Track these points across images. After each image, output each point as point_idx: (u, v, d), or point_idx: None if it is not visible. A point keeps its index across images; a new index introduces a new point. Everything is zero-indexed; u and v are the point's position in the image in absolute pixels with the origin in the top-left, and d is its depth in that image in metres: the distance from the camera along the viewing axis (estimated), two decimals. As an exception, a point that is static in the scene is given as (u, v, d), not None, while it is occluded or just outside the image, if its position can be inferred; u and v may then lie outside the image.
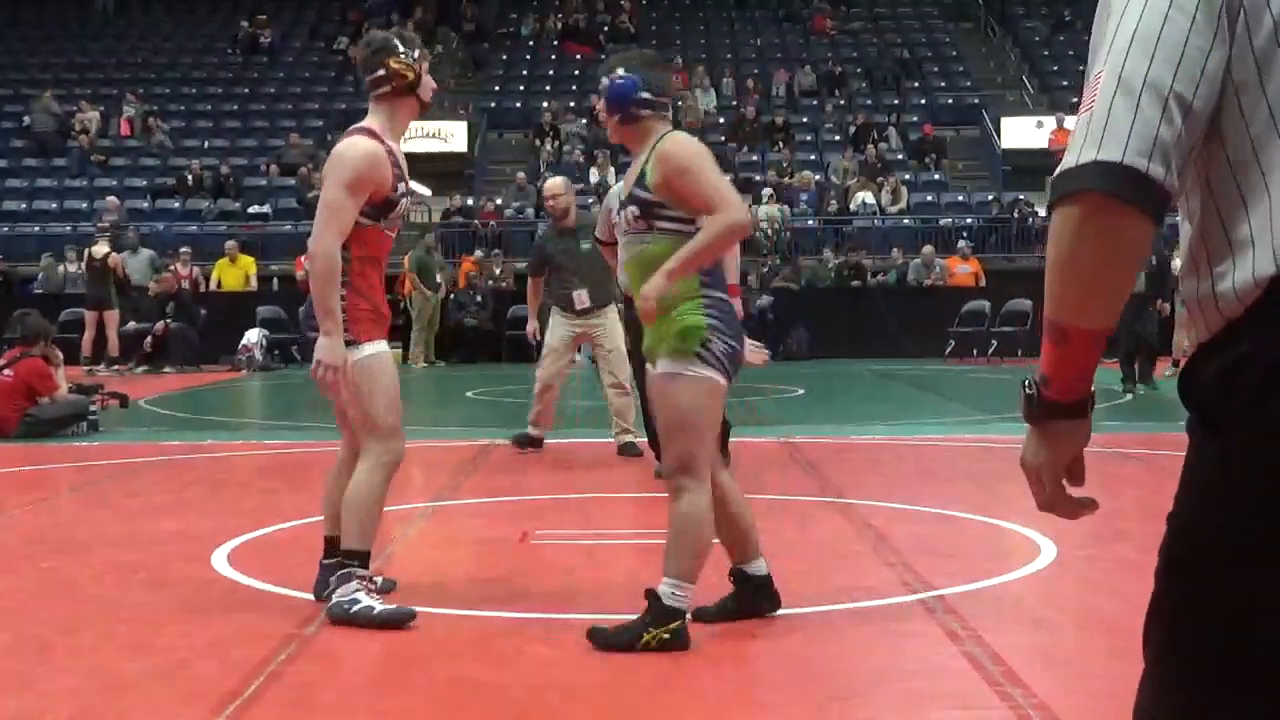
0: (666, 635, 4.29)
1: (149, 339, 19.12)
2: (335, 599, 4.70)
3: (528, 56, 31.54)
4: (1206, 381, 1.63)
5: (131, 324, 19.33)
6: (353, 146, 4.80)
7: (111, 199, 23.48)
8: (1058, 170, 1.66)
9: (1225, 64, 1.61)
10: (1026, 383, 1.75)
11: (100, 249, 19.03)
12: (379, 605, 4.69)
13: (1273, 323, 1.57)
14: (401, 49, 4.91)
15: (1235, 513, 1.58)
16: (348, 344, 4.74)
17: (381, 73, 4.87)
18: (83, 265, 19.78)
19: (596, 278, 9.14)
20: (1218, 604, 1.60)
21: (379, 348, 4.84)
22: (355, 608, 4.65)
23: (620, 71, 4.54)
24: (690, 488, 4.38)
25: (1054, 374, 1.70)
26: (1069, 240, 1.63)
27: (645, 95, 4.49)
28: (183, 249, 21.17)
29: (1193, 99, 1.60)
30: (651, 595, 4.34)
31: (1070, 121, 23.62)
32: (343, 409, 4.91)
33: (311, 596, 5.04)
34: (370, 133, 4.85)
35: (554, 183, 10.25)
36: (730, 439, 8.34)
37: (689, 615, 4.43)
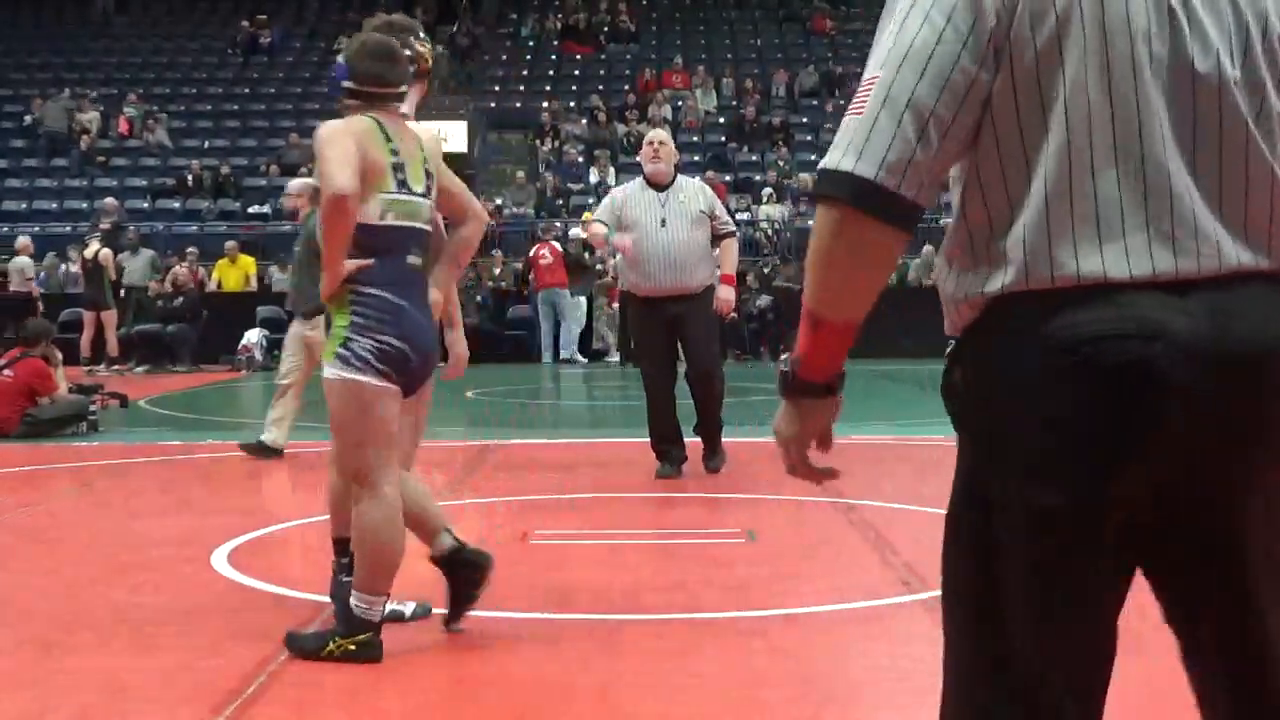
0: (353, 646, 4.22)
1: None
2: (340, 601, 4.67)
3: (528, 56, 31.53)
4: (948, 385, 1.85)
5: (136, 327, 19.35)
6: (431, 131, 4.73)
7: (110, 200, 23.48)
8: (822, 163, 1.77)
9: (988, 91, 1.71)
10: (783, 360, 1.90)
11: (92, 248, 19.02)
12: (397, 607, 4.68)
13: (992, 339, 1.75)
14: (423, 34, 4.96)
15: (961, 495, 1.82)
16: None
17: (408, 53, 4.83)
18: (79, 266, 19.80)
19: (295, 280, 9.07)
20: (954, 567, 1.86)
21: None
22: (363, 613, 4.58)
23: (339, 59, 4.55)
24: (361, 497, 4.27)
25: (806, 357, 1.85)
26: (825, 240, 1.76)
27: (348, 85, 4.43)
28: (188, 249, 21.19)
29: (952, 122, 1.71)
30: (343, 605, 4.29)
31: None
32: None
33: (312, 596, 5.05)
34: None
35: (294, 184, 10.12)
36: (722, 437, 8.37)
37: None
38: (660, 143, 8.37)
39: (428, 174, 4.44)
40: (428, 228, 4.43)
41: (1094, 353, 1.67)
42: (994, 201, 1.76)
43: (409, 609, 4.79)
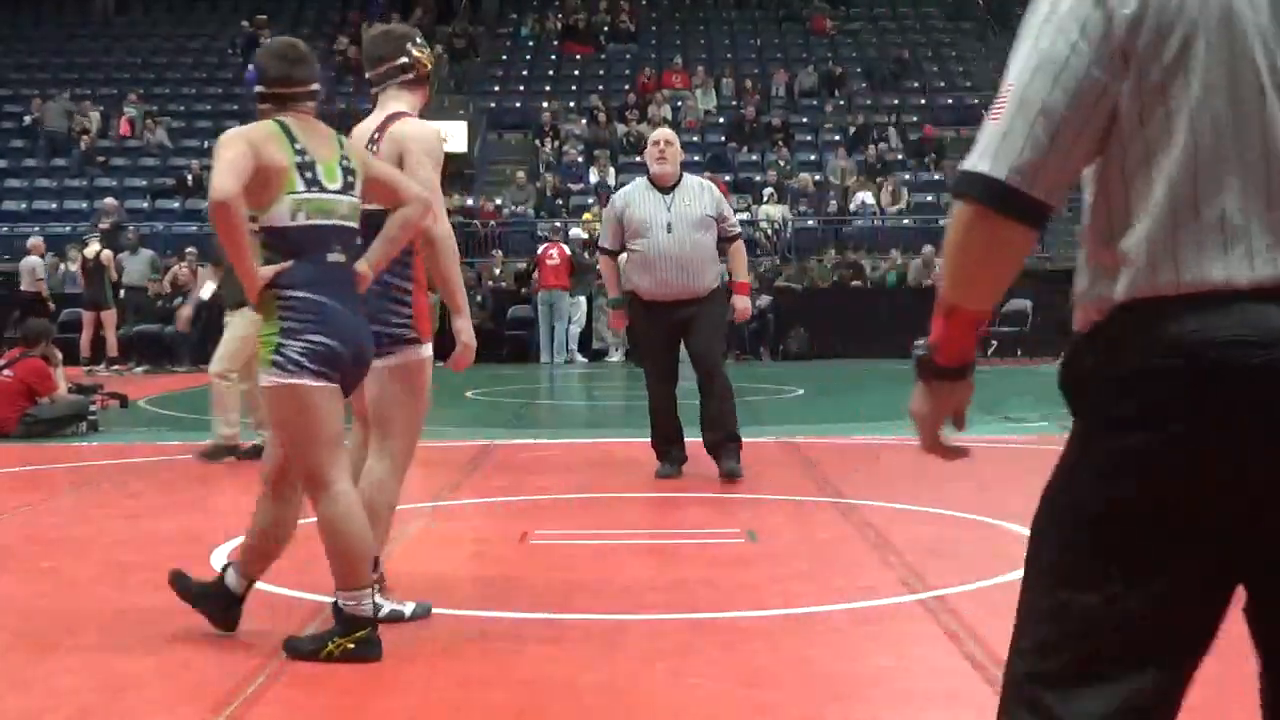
0: (352, 645, 4.25)
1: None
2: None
3: (528, 56, 31.53)
4: (1067, 379, 1.91)
5: (136, 327, 19.34)
6: (428, 127, 4.80)
7: (110, 200, 23.47)
8: (961, 164, 1.89)
9: (1116, 99, 1.82)
10: (918, 345, 2.01)
11: (92, 248, 19.01)
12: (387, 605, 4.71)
13: (1114, 341, 1.84)
14: (420, 40, 5.01)
15: (1075, 490, 1.88)
16: (411, 341, 4.74)
17: (405, 60, 4.91)
18: (79, 266, 19.79)
19: (225, 277, 8.97)
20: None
21: (429, 351, 4.83)
22: (382, 612, 4.61)
23: (253, 63, 4.59)
24: (318, 499, 4.31)
25: (940, 343, 1.98)
26: (960, 235, 1.88)
27: (259, 88, 4.47)
28: (188, 249, 21.18)
29: (1083, 128, 1.82)
30: (335, 607, 4.32)
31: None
32: (370, 404, 4.86)
33: (312, 596, 5.05)
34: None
35: None
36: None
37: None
38: (667, 143, 8.21)
39: (348, 170, 4.43)
40: (349, 224, 4.43)
41: (1216, 358, 1.74)
42: (1118, 206, 1.85)
43: (409, 609, 4.79)
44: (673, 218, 8.02)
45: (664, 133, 8.52)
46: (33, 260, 20.11)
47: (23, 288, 19.77)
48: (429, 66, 4.97)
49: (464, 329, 4.88)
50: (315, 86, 4.51)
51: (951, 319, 1.96)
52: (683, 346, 8.24)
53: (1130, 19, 1.79)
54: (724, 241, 8.22)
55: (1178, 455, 1.77)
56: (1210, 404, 1.75)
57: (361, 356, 4.39)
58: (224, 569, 4.63)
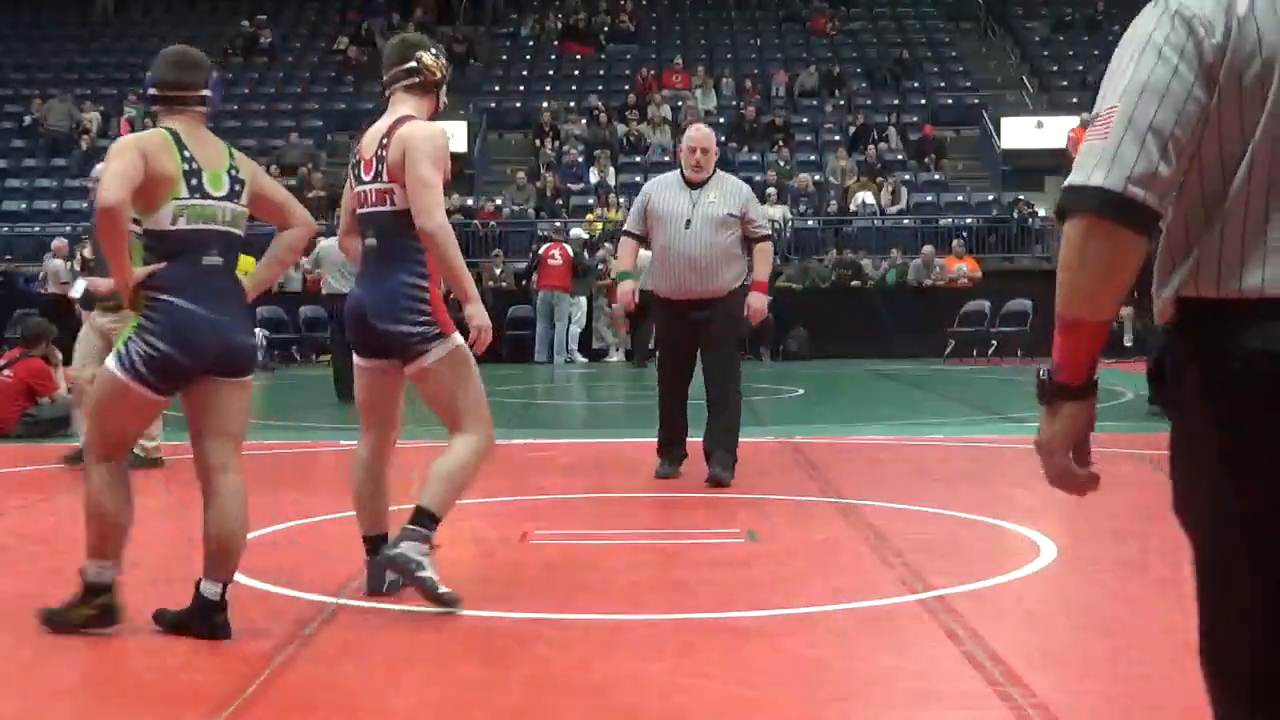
0: (93, 611, 4.54)
1: None
2: (403, 550, 4.79)
3: (528, 56, 31.53)
4: (1156, 374, 2.08)
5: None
6: (431, 128, 4.95)
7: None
8: (1068, 181, 2.01)
9: (1207, 116, 1.98)
10: (1041, 371, 2.10)
11: (90, 248, 18.97)
12: (437, 581, 4.80)
13: (1184, 333, 2.02)
14: (434, 49, 5.13)
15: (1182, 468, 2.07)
16: (437, 336, 4.92)
17: (413, 64, 5.05)
18: (79, 265, 19.76)
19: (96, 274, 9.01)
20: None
21: (460, 338, 5.01)
22: (422, 572, 4.77)
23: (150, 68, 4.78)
24: (88, 470, 4.62)
25: (1063, 361, 2.06)
26: (1077, 248, 2.00)
27: (152, 92, 4.67)
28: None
29: (1186, 142, 1.98)
30: (80, 572, 4.59)
31: (1075, 120, 23.67)
32: (374, 405, 5.09)
33: (312, 596, 5.05)
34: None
35: (97, 169, 10.00)
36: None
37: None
38: (704, 151, 7.97)
39: (235, 179, 4.63)
40: (229, 229, 4.61)
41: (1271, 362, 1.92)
42: (1194, 216, 2.02)
43: (444, 591, 4.88)
44: (694, 215, 7.89)
45: (701, 139, 8.10)
46: (56, 263, 20.11)
47: (48, 289, 19.75)
48: (438, 75, 5.08)
49: (476, 313, 4.98)
50: (205, 92, 4.69)
51: (1076, 334, 2.05)
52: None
53: (1217, 47, 1.96)
54: (752, 243, 8.05)
55: (1249, 448, 1.96)
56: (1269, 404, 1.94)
57: (224, 355, 4.54)
58: (197, 583, 4.63)
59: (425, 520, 4.86)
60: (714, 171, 8.08)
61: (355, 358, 5.17)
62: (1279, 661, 1.99)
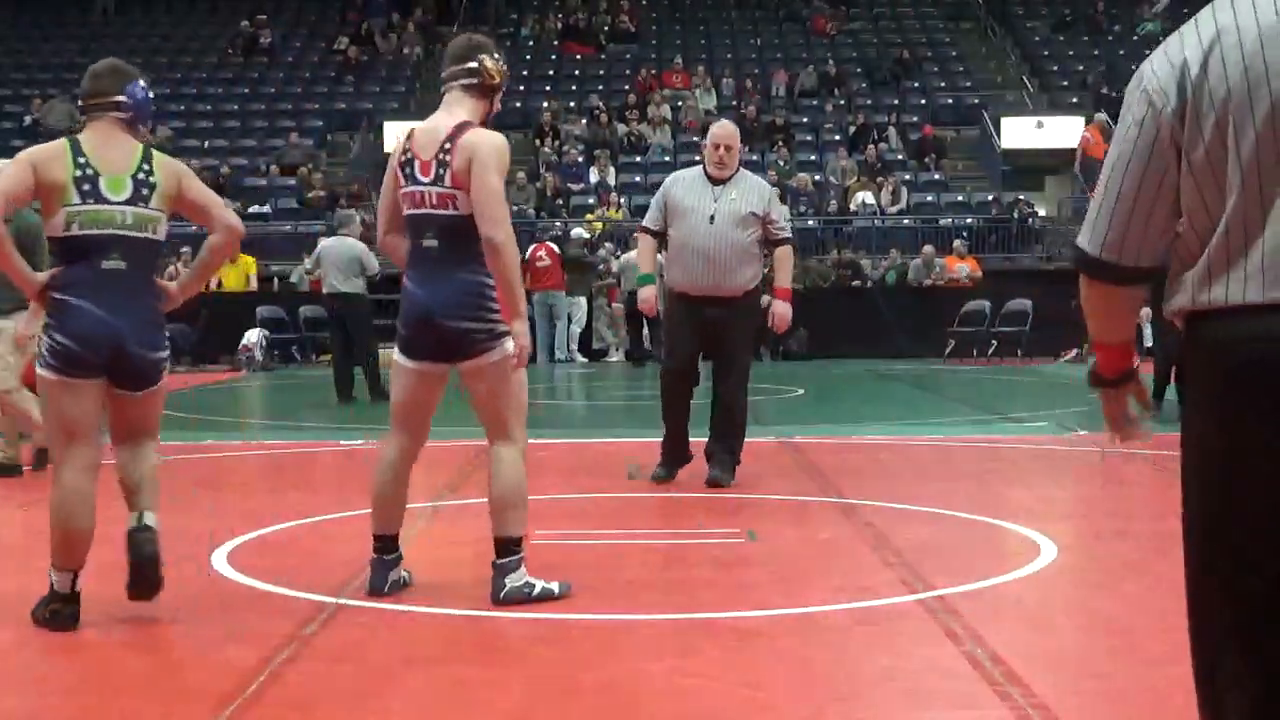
0: (47, 615, 4.72)
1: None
2: (509, 588, 4.97)
3: (528, 56, 31.53)
4: (1178, 372, 2.41)
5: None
6: (496, 137, 4.99)
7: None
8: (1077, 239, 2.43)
9: (1178, 177, 2.26)
10: (1091, 361, 2.62)
11: None
12: (547, 585, 5.07)
13: (1186, 343, 2.32)
14: (497, 54, 5.15)
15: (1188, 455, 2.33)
16: (502, 335, 5.00)
17: (474, 65, 5.06)
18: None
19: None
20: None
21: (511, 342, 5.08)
22: (534, 590, 5.01)
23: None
24: (53, 480, 4.84)
25: (1100, 365, 2.56)
26: (1083, 294, 2.43)
27: (80, 101, 4.86)
28: (183, 249, 21.17)
29: (1153, 205, 2.28)
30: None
31: (1076, 120, 23.66)
32: (413, 409, 5.22)
33: (312, 596, 5.05)
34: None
35: None
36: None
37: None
38: (727, 148, 7.85)
39: (141, 184, 4.73)
40: (131, 233, 4.70)
41: (1244, 352, 2.18)
42: (1188, 246, 2.30)
43: (557, 587, 5.10)
44: (716, 210, 7.77)
45: (725, 135, 7.94)
46: None
47: None
48: (497, 80, 5.09)
49: (521, 332, 5.01)
50: (119, 98, 4.79)
51: (1103, 350, 2.53)
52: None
53: (1173, 112, 2.23)
54: (772, 244, 7.96)
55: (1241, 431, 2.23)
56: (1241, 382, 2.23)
57: (122, 362, 4.69)
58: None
59: (510, 548, 5.09)
60: (738, 169, 7.96)
61: (400, 359, 5.15)
62: (1277, 662, 2.06)
